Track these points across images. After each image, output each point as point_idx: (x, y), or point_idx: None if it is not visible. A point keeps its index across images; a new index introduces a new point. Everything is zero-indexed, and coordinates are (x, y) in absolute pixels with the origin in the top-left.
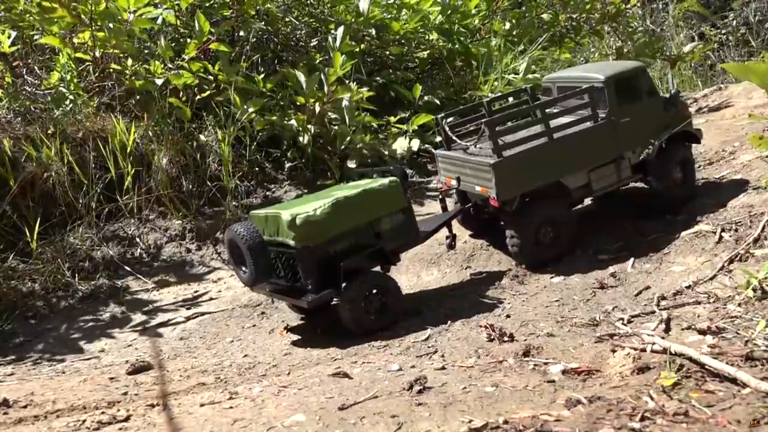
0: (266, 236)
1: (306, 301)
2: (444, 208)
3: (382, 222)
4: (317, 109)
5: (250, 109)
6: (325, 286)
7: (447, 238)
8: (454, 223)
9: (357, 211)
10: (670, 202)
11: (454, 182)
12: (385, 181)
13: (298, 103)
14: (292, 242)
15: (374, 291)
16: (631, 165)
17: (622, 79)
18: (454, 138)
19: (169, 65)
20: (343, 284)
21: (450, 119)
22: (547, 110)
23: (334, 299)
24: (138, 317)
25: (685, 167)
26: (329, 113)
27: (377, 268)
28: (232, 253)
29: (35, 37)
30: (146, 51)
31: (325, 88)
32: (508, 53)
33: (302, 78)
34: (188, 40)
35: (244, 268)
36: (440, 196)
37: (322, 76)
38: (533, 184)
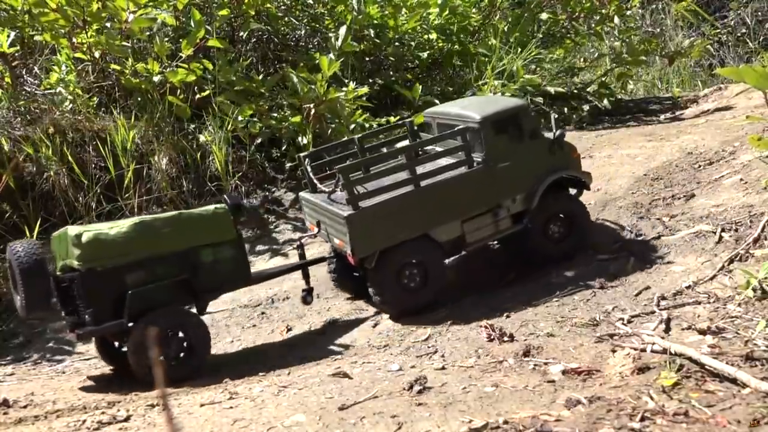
0: (61, 261)
1: (77, 334)
2: (301, 256)
3: (202, 254)
4: (313, 110)
5: (240, 118)
6: (114, 318)
7: (303, 291)
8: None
9: (166, 237)
10: (546, 258)
11: (317, 228)
12: (211, 207)
13: (295, 104)
14: (76, 263)
15: (173, 332)
16: (511, 215)
17: (500, 119)
18: (315, 181)
19: (167, 63)
20: (128, 319)
21: (321, 156)
22: (416, 153)
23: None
24: None
25: (569, 219)
26: (326, 113)
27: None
28: (12, 276)
29: (35, 36)
30: (144, 51)
31: (316, 91)
32: (507, 53)
33: (295, 79)
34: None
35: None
36: (298, 242)
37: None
38: (396, 238)
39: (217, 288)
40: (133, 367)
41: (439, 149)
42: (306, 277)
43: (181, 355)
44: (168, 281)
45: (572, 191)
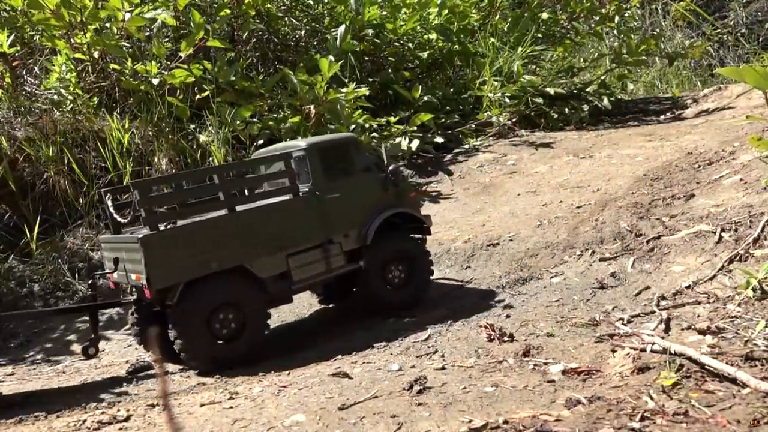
0: None
1: None
2: (92, 297)
3: None
4: (312, 110)
5: (238, 121)
6: None
7: (86, 341)
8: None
9: None
10: (385, 306)
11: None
12: None
13: (295, 105)
14: None
15: None
16: (344, 252)
17: (328, 149)
18: (117, 218)
19: (166, 64)
20: None
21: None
22: (233, 177)
23: None
24: None
25: (409, 262)
26: (325, 114)
27: None
28: None
29: (35, 37)
30: (144, 52)
31: (316, 92)
32: (507, 53)
33: (294, 81)
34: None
35: None
36: (90, 281)
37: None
38: (203, 269)
39: None
40: None
41: (269, 188)
42: (93, 323)
43: None
44: None
45: (417, 237)
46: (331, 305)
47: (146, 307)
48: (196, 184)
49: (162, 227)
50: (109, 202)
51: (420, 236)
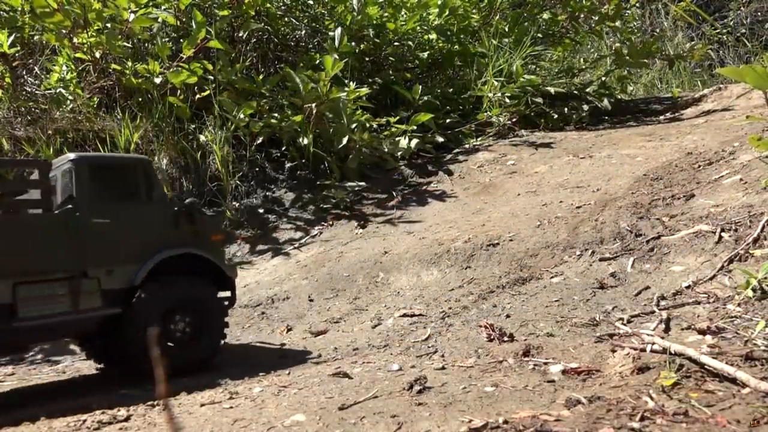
0: None
1: None
2: None
3: None
4: (314, 109)
5: (241, 115)
6: None
7: None
8: None
9: None
10: (151, 369)
11: None
12: None
13: (297, 104)
14: None
15: None
16: (103, 290)
17: (103, 167)
18: None
19: (168, 64)
20: None
21: None
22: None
23: None
24: None
25: (200, 316)
26: (327, 113)
27: None
28: None
29: (35, 37)
30: (145, 51)
31: (319, 90)
32: (507, 53)
33: (297, 79)
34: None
35: None
36: None
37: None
38: None
39: None
40: None
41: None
42: None
43: None
44: None
45: (222, 294)
46: (101, 367)
47: None
48: None
49: None
50: None
51: (229, 298)
